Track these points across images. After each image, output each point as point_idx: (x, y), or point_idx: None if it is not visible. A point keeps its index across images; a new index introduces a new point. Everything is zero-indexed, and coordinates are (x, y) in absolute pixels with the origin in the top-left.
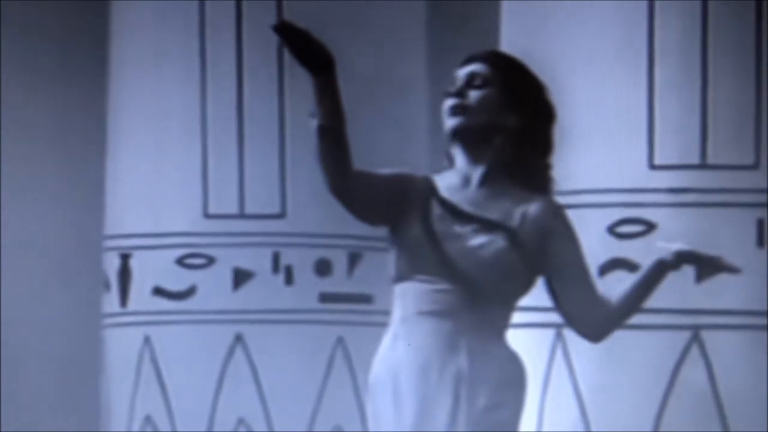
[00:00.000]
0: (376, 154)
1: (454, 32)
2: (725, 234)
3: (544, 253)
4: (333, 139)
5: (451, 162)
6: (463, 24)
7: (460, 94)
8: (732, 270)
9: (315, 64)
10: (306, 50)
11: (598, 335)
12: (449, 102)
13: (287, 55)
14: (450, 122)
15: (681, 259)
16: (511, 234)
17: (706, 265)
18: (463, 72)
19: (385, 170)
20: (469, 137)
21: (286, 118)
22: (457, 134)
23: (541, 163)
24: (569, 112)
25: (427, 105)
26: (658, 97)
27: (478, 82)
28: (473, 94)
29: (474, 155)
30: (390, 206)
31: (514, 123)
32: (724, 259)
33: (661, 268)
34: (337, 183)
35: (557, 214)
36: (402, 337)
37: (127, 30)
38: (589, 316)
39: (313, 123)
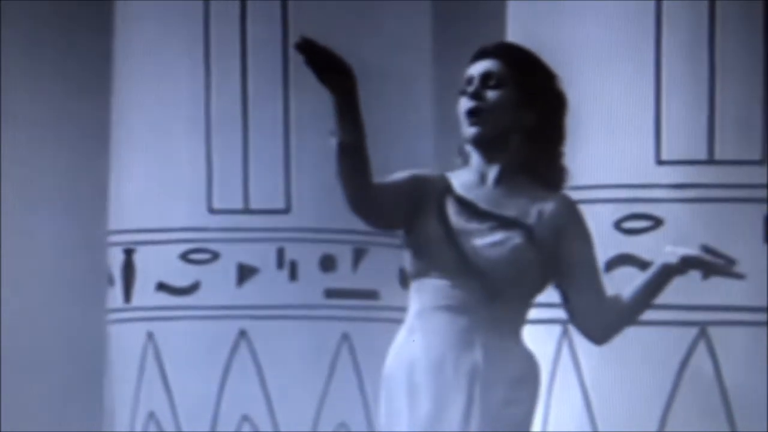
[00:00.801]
0: (382, 150)
1: (459, 27)
2: (732, 229)
3: (557, 251)
4: (353, 157)
5: (464, 158)
6: (468, 19)
7: (477, 96)
8: (737, 276)
9: (335, 80)
10: (327, 67)
11: (601, 337)
12: (466, 104)
13: (292, 51)
14: (469, 131)
15: (687, 263)
16: (528, 231)
17: (712, 271)
18: (476, 70)
19: (400, 175)
20: (488, 142)
21: (291, 112)
22: (476, 141)
23: (555, 154)
24: (576, 107)
25: (433, 100)
26: (665, 92)
27: (493, 82)
28: (490, 95)
29: (490, 155)
30: (407, 212)
31: (530, 120)
32: (729, 265)
33: (668, 272)
34: (357, 199)
35: (573, 213)
36: (417, 330)
37: (131, 25)
38: (594, 317)
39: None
